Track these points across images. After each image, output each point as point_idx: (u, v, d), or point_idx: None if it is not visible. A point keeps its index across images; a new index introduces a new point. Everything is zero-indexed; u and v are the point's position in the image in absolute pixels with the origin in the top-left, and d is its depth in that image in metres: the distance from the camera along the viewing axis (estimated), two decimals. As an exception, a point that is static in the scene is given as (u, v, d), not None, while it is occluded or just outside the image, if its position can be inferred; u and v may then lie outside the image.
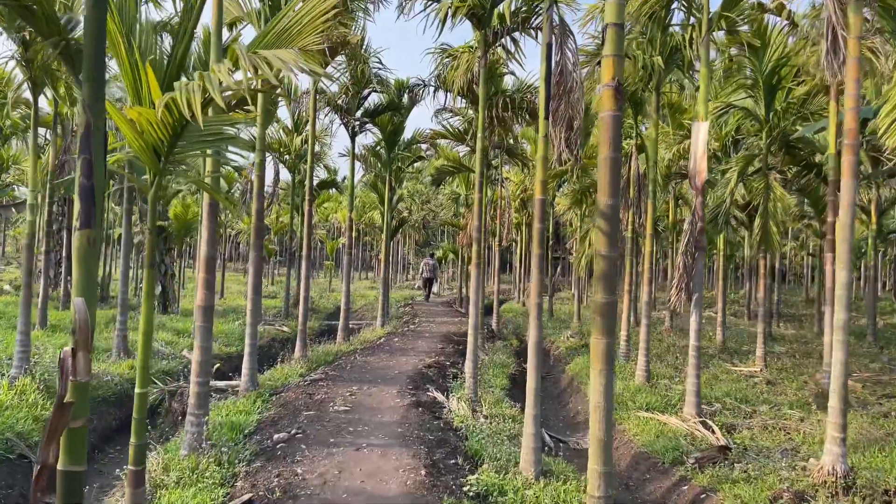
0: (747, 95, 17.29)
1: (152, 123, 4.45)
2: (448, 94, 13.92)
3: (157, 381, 11.31)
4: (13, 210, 29.36)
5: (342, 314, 16.85)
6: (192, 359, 14.51)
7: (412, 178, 53.14)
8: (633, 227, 16.61)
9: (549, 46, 7.23)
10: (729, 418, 10.69)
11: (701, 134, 10.14)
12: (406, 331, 18.50)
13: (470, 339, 10.55)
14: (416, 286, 38.50)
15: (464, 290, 32.28)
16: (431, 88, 13.96)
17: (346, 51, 13.39)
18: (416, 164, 48.21)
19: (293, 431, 7.79)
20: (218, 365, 12.35)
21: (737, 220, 24.10)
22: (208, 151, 6.70)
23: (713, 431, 9.58)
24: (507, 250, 53.96)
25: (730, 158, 18.30)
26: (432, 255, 34.17)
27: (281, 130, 23.20)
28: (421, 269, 30.09)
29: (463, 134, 16.68)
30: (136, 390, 4.75)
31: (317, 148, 24.74)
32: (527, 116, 13.75)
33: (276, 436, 7.59)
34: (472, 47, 12.99)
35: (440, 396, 10.39)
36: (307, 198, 13.70)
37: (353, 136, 16.90)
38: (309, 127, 13.82)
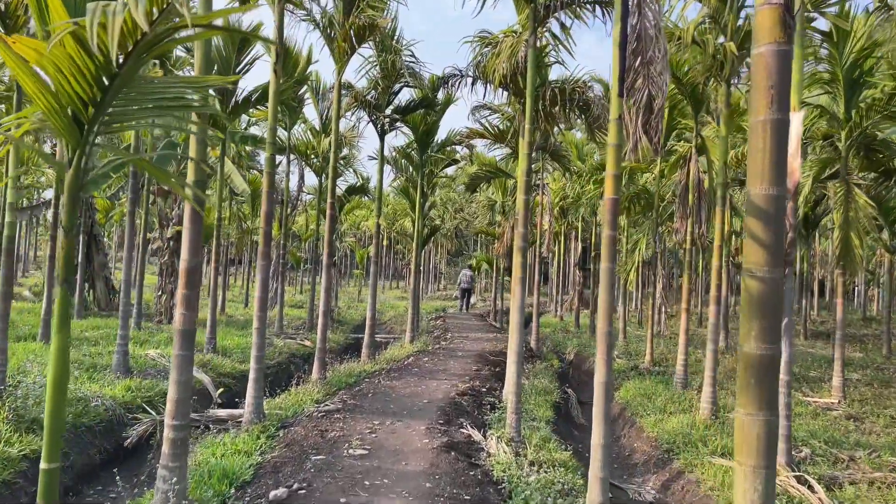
0: (823, 91, 15.44)
1: (62, 70, 2.95)
2: (488, 85, 12.37)
3: (149, 410, 9.90)
4: (43, 209, 28.65)
5: (367, 329, 15.35)
6: (199, 377, 13.15)
7: (445, 186, 51.84)
8: (691, 240, 14.83)
9: (624, 2, 5.61)
10: (823, 468, 8.89)
11: (794, 126, 8.41)
12: (437, 348, 16.92)
13: (511, 367, 8.92)
14: (454, 295, 37.75)
15: (498, 303, 30.63)
16: (469, 80, 12.40)
17: (374, 37, 11.94)
18: (448, 171, 46.79)
19: (295, 486, 6.25)
20: (222, 390, 10.91)
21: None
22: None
23: (813, 489, 7.79)
24: (542, 261, 52.14)
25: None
26: (470, 267, 33.05)
27: (308, 131, 21.90)
28: (459, 280, 29.24)
29: (503, 133, 15.08)
30: (42, 465, 3.25)
31: (345, 151, 23.44)
32: (577, 111, 12.11)
33: (273, 493, 6.05)
34: (515, 32, 11.43)
35: (476, 434, 8.76)
36: (329, 200, 12.25)
37: (382, 135, 15.44)
38: (332, 118, 12.38)
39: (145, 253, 17.89)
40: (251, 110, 15.92)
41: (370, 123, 15.30)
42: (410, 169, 21.02)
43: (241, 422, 9.15)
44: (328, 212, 12.21)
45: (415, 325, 19.04)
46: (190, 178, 5.77)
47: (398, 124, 15.87)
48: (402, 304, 36.39)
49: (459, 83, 12.57)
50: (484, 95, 12.58)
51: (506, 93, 12.82)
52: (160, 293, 21.22)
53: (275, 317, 20.69)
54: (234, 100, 15.18)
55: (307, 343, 18.26)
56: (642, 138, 5.81)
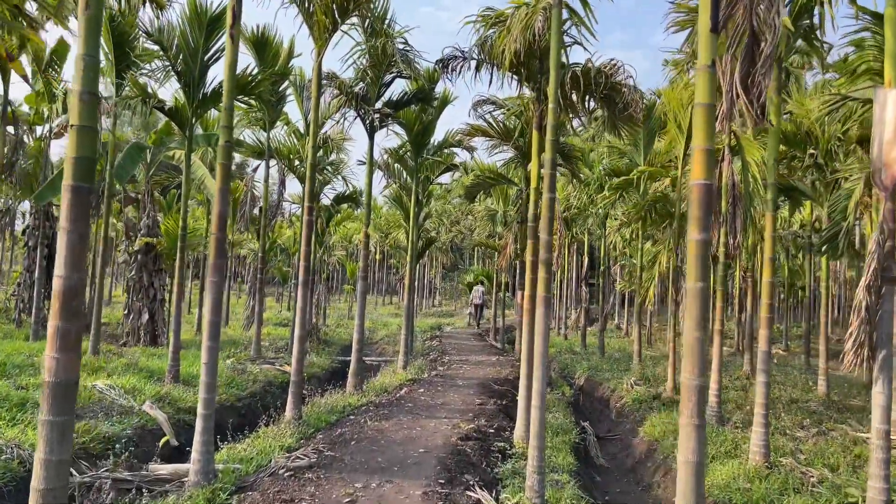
0: (872, 84, 13.66)
1: None
2: (494, 70, 10.51)
3: (80, 462, 7.88)
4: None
5: (354, 354, 13.37)
6: (153, 414, 11.11)
7: (440, 198, 50.02)
8: (725, 250, 12.95)
9: None
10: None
11: (890, 109, 6.56)
12: (434, 375, 14.92)
13: (535, 412, 6.94)
14: (467, 311, 36.68)
15: (499, 321, 28.64)
16: (473, 63, 10.54)
17: (359, 10, 10.08)
18: (444, 179, 45.01)
19: None
20: (167, 438, 8.89)
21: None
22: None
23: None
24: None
25: (846, 163, 14.62)
26: (482, 283, 31.67)
27: (292, 134, 19.99)
28: (471, 297, 28.11)
29: (509, 131, 13.22)
30: None
31: (332, 156, 21.56)
32: (599, 100, 10.23)
33: None
34: (527, 3, 9.60)
35: (488, 500, 6.77)
36: (305, 204, 10.31)
37: (371, 133, 13.54)
38: (311, 109, 10.49)
39: (104, 267, 15.88)
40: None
41: (358, 120, 13.40)
42: (404, 174, 19.15)
43: (186, 481, 7.15)
44: (305, 217, 10.27)
45: (408, 347, 17.06)
46: (71, 150, 3.83)
47: (390, 121, 13.98)
48: (394, 321, 34.36)
49: (461, 67, 10.70)
50: (490, 83, 10.69)
51: (515, 80, 10.97)
52: (128, 312, 19.19)
53: (251, 338, 18.66)
54: (201, 92, 13.28)
55: (287, 369, 16.22)
56: (740, 98, 3.90)
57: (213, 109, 22.17)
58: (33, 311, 18.56)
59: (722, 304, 12.90)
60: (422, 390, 12.59)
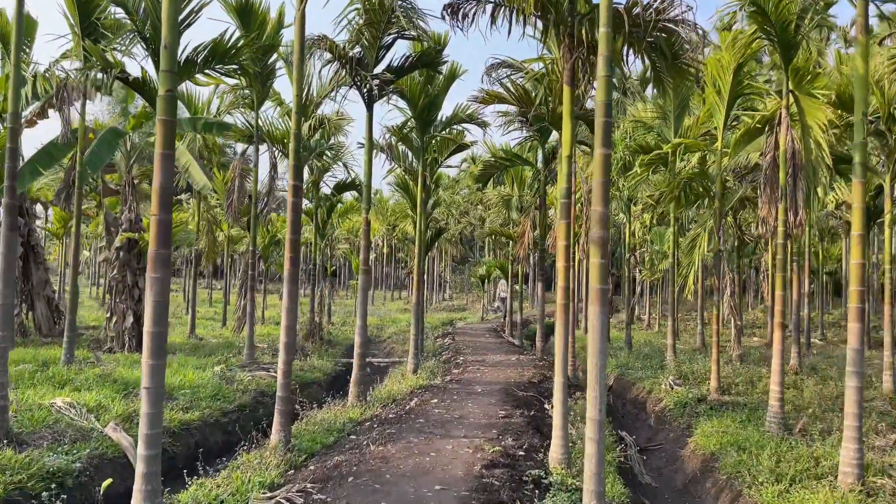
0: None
1: None
2: (513, 16, 8.66)
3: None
4: None
5: (355, 360, 11.59)
6: (116, 439, 9.36)
7: (448, 188, 48.17)
8: (784, 229, 11.07)
9: None
10: None
11: None
12: (448, 381, 13.12)
13: (592, 453, 5.12)
14: (495, 306, 34.65)
15: (515, 315, 26.82)
16: (488, 7, 8.69)
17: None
18: (454, 164, 43.17)
19: None
20: (109, 482, 7.13)
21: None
22: None
23: None
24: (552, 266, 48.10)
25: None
26: (502, 278, 29.81)
27: (285, 116, 18.19)
28: (497, 292, 25.68)
29: (529, 96, 11.37)
30: None
31: (331, 140, 19.75)
32: (644, 52, 8.35)
33: None
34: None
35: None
36: (291, 183, 8.52)
37: (369, 104, 11.72)
38: (294, 65, 8.70)
39: (76, 266, 14.17)
40: (200, 76, 12.19)
41: (355, 95, 11.59)
42: (409, 156, 17.32)
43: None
44: (290, 199, 8.48)
45: (419, 347, 15.29)
46: None
47: (391, 91, 12.16)
48: (404, 317, 32.60)
49: (474, 13, 8.83)
50: (508, 32, 8.79)
51: (538, 30, 9.14)
52: (110, 314, 17.51)
53: (243, 341, 16.95)
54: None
55: (284, 375, 14.46)
56: None
57: (200, 89, 20.52)
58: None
59: (783, 292, 11.02)
60: (435, 400, 10.79)
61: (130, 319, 17.47)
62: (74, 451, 8.19)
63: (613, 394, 16.34)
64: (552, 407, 11.32)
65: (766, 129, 11.99)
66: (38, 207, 30.94)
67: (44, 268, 18.70)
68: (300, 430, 9.58)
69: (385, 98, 12.08)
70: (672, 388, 14.43)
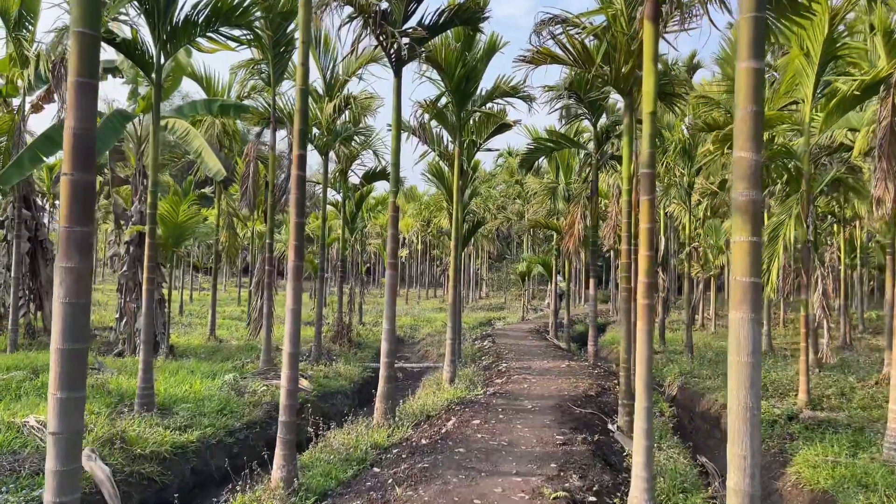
0: None
1: None
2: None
3: None
4: None
5: (382, 371, 9.80)
6: (89, 469, 7.67)
7: (485, 181, 46.26)
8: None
9: None
10: None
11: None
12: (490, 394, 11.25)
13: None
14: (545, 304, 32.26)
15: (560, 315, 24.81)
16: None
17: None
18: (496, 147, 41.00)
19: None
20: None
21: None
22: None
23: None
24: (604, 262, 45.82)
25: None
26: (559, 272, 27.45)
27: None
28: (555, 284, 23.36)
29: (590, 54, 9.40)
30: None
31: (362, 123, 18.06)
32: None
33: None
34: None
35: None
36: (295, 153, 6.75)
37: (398, 67, 9.90)
38: (301, 9, 6.94)
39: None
40: (202, 40, 10.54)
41: (379, 49, 9.80)
42: (444, 138, 15.51)
43: None
44: (294, 172, 6.72)
45: (456, 353, 13.46)
46: None
47: (422, 53, 10.32)
48: (439, 316, 30.80)
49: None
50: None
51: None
52: (119, 315, 16.07)
53: (258, 346, 15.34)
54: (172, 21, 9.84)
55: (304, 384, 12.79)
56: None
57: (220, 73, 18.93)
58: (10, 316, 15.60)
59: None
60: (477, 421, 8.92)
61: (142, 321, 16.00)
62: (23, 490, 6.56)
63: (678, 405, 14.29)
64: (618, 428, 9.39)
65: (883, 90, 9.84)
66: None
67: (53, 264, 17.37)
68: (313, 458, 7.84)
69: (416, 60, 10.24)
70: (752, 402, 12.34)
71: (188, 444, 8.87)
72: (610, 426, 9.57)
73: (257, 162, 13.85)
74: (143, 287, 10.24)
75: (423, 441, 8.10)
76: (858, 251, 27.46)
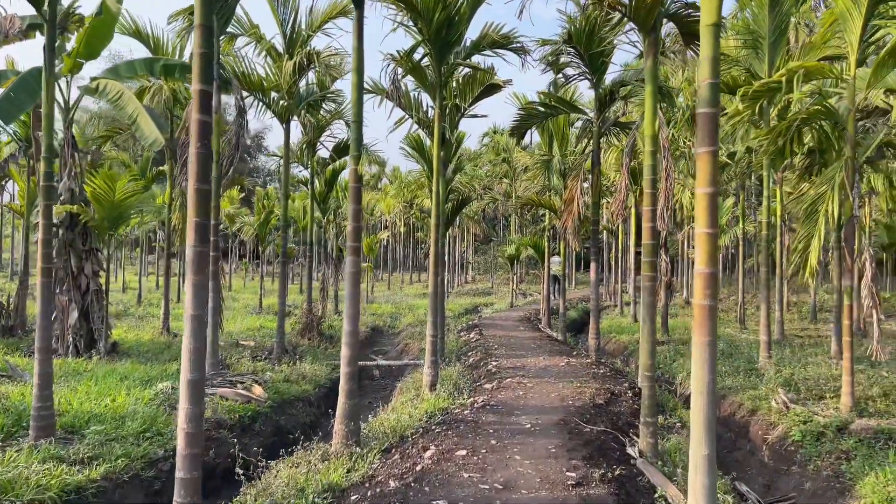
0: None
1: None
2: None
3: None
4: None
5: (342, 383, 7.75)
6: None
7: (471, 160, 44.08)
8: None
9: None
10: None
11: None
12: (479, 406, 9.23)
13: None
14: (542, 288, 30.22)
15: (553, 301, 22.89)
16: None
17: None
18: (482, 114, 38.94)
19: None
20: None
21: None
22: None
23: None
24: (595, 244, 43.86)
25: None
26: (557, 252, 25.38)
27: (265, 54, 14.30)
28: (548, 266, 21.04)
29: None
30: None
31: (331, 87, 15.90)
32: None
33: None
34: None
35: None
36: (197, 87, 4.66)
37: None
38: None
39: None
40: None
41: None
42: (423, 104, 13.41)
43: None
44: (195, 115, 4.64)
45: (437, 351, 11.45)
46: None
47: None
48: (422, 303, 28.80)
49: None
50: None
51: None
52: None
53: (227, 338, 13.24)
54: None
55: (256, 393, 10.72)
56: None
57: (166, 31, 16.61)
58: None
59: None
60: (462, 452, 6.88)
61: (75, 314, 13.87)
62: None
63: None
64: (640, 454, 7.45)
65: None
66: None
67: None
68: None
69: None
70: (787, 408, 10.45)
71: (86, 486, 6.79)
72: (629, 449, 7.62)
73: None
74: (39, 277, 8.09)
75: (392, 483, 6.09)
76: (867, 229, 25.71)
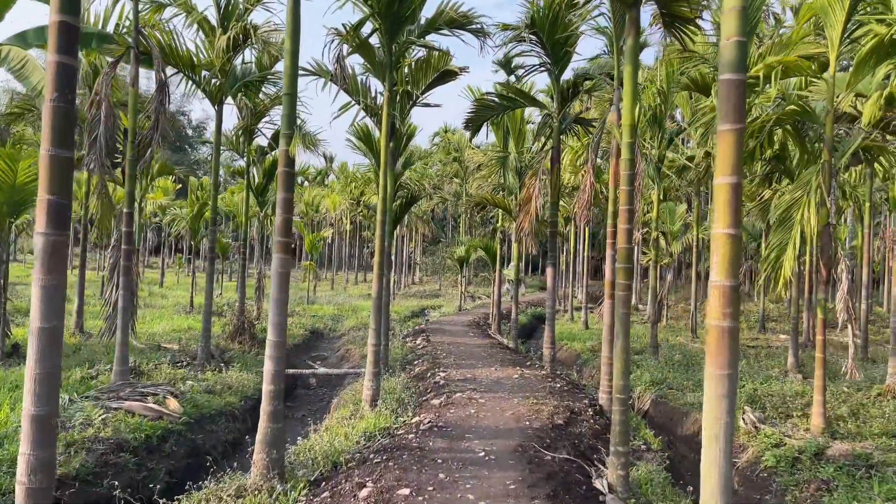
0: None
1: None
2: None
3: None
4: None
5: (265, 402, 6.56)
6: None
7: (423, 157, 42.97)
8: None
9: None
10: None
11: None
12: (425, 428, 8.12)
13: None
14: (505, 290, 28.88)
15: (503, 306, 21.97)
16: None
17: None
18: (423, 140, 37.98)
19: None
20: None
21: None
22: None
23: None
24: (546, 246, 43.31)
25: None
26: (506, 258, 24.40)
27: (197, 27, 12.87)
28: (505, 275, 19.78)
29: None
30: None
31: (272, 68, 14.58)
32: None
33: None
34: None
35: None
36: (55, 17, 3.41)
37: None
38: None
39: None
40: None
41: None
42: (372, 89, 12.22)
43: None
44: (51, 57, 3.36)
45: (380, 362, 10.30)
46: None
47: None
48: (366, 305, 27.49)
49: None
50: None
51: None
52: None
53: (136, 344, 11.79)
54: None
55: (172, 406, 9.34)
56: None
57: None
58: None
59: None
60: (404, 491, 5.75)
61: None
62: None
63: (654, 425, 11.60)
64: (609, 489, 6.47)
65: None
66: None
67: None
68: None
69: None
70: (756, 429, 9.70)
71: None
72: (596, 482, 6.64)
73: (111, 103, 10.18)
74: None
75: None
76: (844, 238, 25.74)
